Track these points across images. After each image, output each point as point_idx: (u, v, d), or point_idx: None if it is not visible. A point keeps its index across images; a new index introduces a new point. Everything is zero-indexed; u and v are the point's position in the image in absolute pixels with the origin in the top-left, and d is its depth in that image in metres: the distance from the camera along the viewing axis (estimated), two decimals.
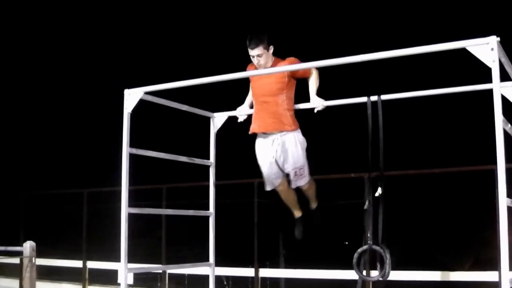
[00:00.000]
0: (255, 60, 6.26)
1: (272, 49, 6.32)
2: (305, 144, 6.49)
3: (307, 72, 6.48)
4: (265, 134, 6.48)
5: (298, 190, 6.84)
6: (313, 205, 7.05)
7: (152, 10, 29.06)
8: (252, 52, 6.21)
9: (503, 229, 4.17)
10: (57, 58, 28.68)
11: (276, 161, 6.44)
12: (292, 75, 6.40)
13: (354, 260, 5.70)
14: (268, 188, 6.71)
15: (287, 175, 6.57)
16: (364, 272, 5.93)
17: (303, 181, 6.54)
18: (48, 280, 13.21)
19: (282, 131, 6.39)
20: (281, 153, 6.39)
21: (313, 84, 6.48)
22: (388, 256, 5.54)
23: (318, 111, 6.38)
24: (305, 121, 6.64)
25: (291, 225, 7.04)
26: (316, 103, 6.37)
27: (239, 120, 6.88)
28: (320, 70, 6.59)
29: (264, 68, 6.32)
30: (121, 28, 28.54)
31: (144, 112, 6.38)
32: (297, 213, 6.99)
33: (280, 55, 6.49)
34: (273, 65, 6.37)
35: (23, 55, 27.72)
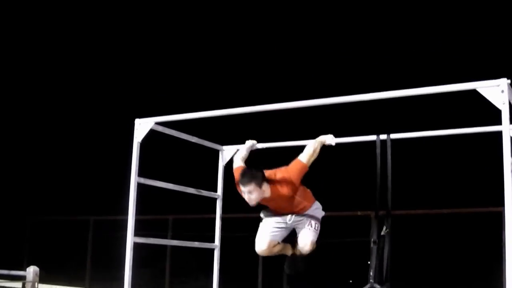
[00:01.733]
0: (245, 196, 5.75)
1: (266, 184, 5.76)
2: (321, 212, 6.22)
3: (306, 168, 5.97)
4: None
5: None
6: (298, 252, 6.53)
7: (165, 40, 29.26)
8: (244, 188, 5.71)
9: (510, 273, 4.15)
10: (68, 84, 28.86)
11: (287, 223, 6.13)
12: (299, 177, 5.91)
13: None
14: (263, 249, 6.27)
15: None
16: None
17: (314, 236, 6.12)
18: None
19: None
20: (294, 217, 6.11)
21: (316, 153, 6.16)
22: None
23: (330, 145, 6.21)
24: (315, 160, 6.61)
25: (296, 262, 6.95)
26: (328, 142, 6.15)
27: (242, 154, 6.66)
28: (333, 107, 6.58)
29: (256, 203, 5.84)
30: (134, 58, 28.71)
31: (153, 142, 6.40)
32: (289, 252, 6.48)
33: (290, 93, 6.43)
34: (273, 189, 5.84)
35: (31, 80, 27.91)
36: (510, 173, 4.26)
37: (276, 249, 6.31)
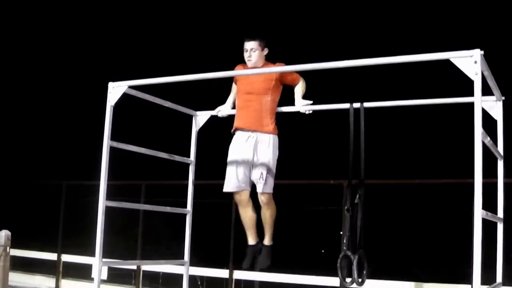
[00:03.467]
0: (246, 54, 6.36)
1: (267, 51, 6.43)
2: (277, 152, 6.47)
3: (295, 80, 6.54)
4: (243, 130, 6.48)
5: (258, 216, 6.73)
6: (267, 240, 6.76)
7: (140, 2, 28.99)
8: (247, 45, 6.32)
9: (477, 242, 4.19)
10: (40, 48, 28.51)
11: (247, 160, 6.43)
12: (281, 80, 6.42)
13: (338, 264, 5.66)
14: (229, 188, 6.60)
15: (251, 185, 6.51)
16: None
17: (267, 187, 6.41)
18: (22, 271, 13.12)
19: (259, 131, 6.38)
20: (252, 151, 6.39)
21: (299, 90, 6.54)
22: (355, 262, 5.53)
23: (304, 113, 6.37)
24: (287, 126, 6.65)
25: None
26: (302, 104, 6.38)
27: (219, 115, 6.86)
28: (305, 74, 6.62)
29: (253, 67, 6.39)
30: (107, 20, 28.41)
31: (127, 107, 6.37)
32: (251, 240, 6.76)
33: (269, 59, 6.55)
34: (264, 64, 6.46)
35: (1, 45, 27.55)
36: (481, 145, 4.29)
37: (246, 203, 6.57)
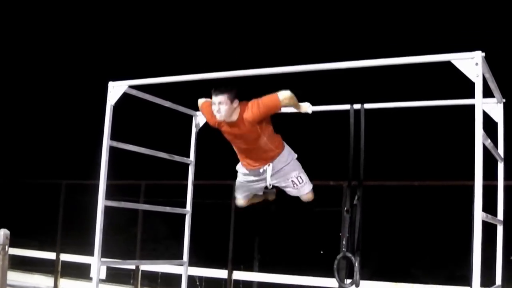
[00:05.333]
0: (215, 108, 5.59)
1: (236, 103, 5.62)
2: (294, 155, 6.22)
3: (277, 105, 5.72)
4: (253, 168, 6.11)
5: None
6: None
7: (140, 3, 29.00)
8: (214, 99, 5.57)
9: (477, 244, 4.19)
10: (39, 48, 28.51)
11: (264, 181, 6.07)
12: (263, 117, 5.74)
13: (335, 266, 5.65)
14: (243, 203, 6.43)
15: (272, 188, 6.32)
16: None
17: (307, 187, 6.15)
18: (20, 270, 13.12)
19: (270, 163, 6.11)
20: (271, 176, 6.00)
21: (293, 105, 6.09)
22: (357, 264, 5.53)
23: (305, 113, 6.16)
24: (287, 127, 6.62)
25: (267, 230, 7.00)
26: (303, 109, 6.12)
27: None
28: (306, 75, 6.54)
29: (224, 119, 5.70)
30: (107, 20, 28.42)
31: (127, 107, 6.36)
32: (272, 197, 6.65)
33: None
34: (241, 121, 5.71)
35: (1, 44, 27.53)
36: (481, 146, 4.29)
37: (256, 199, 6.41)
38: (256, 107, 5.59)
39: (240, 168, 6.19)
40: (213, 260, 12.44)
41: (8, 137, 26.44)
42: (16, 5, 27.45)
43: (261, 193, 6.40)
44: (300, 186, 6.08)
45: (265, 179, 6.03)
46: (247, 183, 6.21)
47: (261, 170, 6.00)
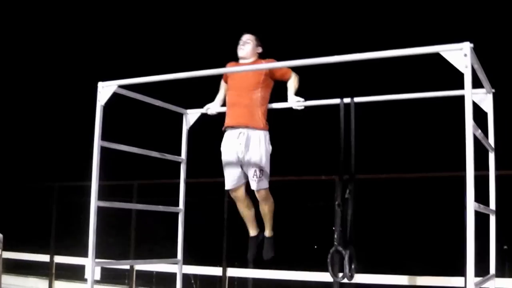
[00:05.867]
0: (241, 45, 6.56)
1: (260, 50, 6.62)
2: (269, 148, 6.47)
3: (286, 74, 6.56)
4: (233, 127, 6.48)
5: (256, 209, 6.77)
6: (268, 232, 6.86)
7: (130, 3, 28.91)
8: (244, 37, 6.56)
9: (470, 234, 4.20)
10: (27, 51, 28.39)
11: (239, 157, 6.44)
12: (271, 75, 6.45)
13: (328, 259, 5.67)
14: (228, 186, 6.67)
15: (246, 181, 6.55)
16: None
17: (262, 184, 6.45)
18: (15, 274, 13.08)
19: (250, 127, 6.39)
20: (244, 148, 6.37)
21: (291, 85, 6.54)
22: (346, 257, 5.54)
23: (296, 109, 6.38)
24: (277, 121, 6.65)
25: (260, 226, 6.99)
26: (295, 101, 6.38)
27: (208, 113, 6.86)
28: (295, 70, 6.62)
29: (243, 57, 6.57)
30: (96, 20, 28.33)
31: (117, 107, 6.35)
32: (252, 231, 6.89)
33: (261, 56, 6.62)
34: (254, 63, 6.52)
35: None
36: (472, 137, 4.30)
37: (242, 198, 6.65)
38: (268, 60, 6.47)
39: (223, 142, 6.61)
40: (208, 258, 12.42)
41: None
42: (3, 7, 27.31)
43: (241, 182, 6.58)
44: (258, 180, 6.37)
45: (240, 150, 6.41)
46: (226, 152, 6.56)
47: (239, 132, 6.41)
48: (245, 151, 6.38)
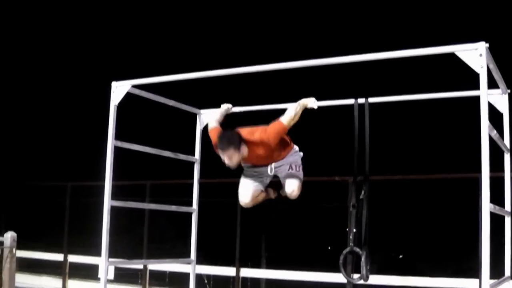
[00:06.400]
0: (225, 160, 5.67)
1: (244, 146, 5.69)
2: (299, 153, 6.21)
3: (285, 129, 5.85)
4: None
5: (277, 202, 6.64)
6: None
7: (144, 2, 28.98)
8: (222, 154, 5.64)
9: (485, 236, 4.17)
10: (41, 50, 28.50)
11: (262, 177, 6.10)
12: (279, 139, 5.82)
13: (341, 261, 5.65)
14: (248, 199, 6.20)
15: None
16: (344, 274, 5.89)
17: (299, 178, 6.03)
18: (28, 272, 13.13)
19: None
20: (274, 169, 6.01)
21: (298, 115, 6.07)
22: (363, 258, 5.51)
23: (310, 109, 6.13)
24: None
25: (274, 227, 6.99)
26: (310, 105, 6.09)
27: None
28: (309, 70, 6.55)
29: (236, 165, 5.80)
30: (109, 20, 28.40)
31: (131, 106, 6.35)
32: (273, 195, 6.44)
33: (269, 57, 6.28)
34: (249, 146, 5.75)
35: (5, 46, 27.52)
36: (487, 138, 4.27)
37: (260, 198, 6.29)
38: (267, 144, 5.71)
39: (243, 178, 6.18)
40: (221, 258, 12.43)
41: (12, 140, 26.47)
42: (17, 6, 27.44)
43: (262, 189, 6.31)
44: (296, 172, 6.00)
45: (268, 173, 6.02)
46: (252, 174, 6.15)
47: (268, 168, 6.00)
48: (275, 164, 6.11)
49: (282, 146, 5.92)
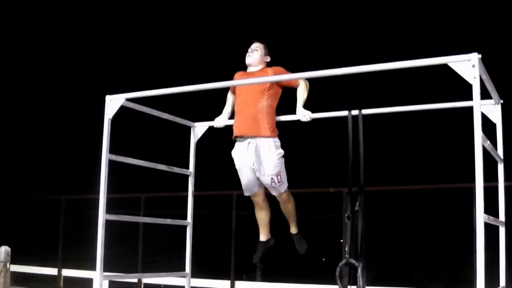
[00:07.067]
0: (249, 52, 6.57)
1: (268, 59, 6.64)
2: (281, 152, 6.47)
3: (293, 81, 6.50)
4: (242, 137, 6.50)
5: (274, 213, 6.81)
6: (294, 229, 6.96)
7: (137, 16, 28.99)
8: (252, 45, 6.57)
9: (480, 246, 4.17)
10: (34, 62, 28.45)
11: (251, 168, 6.45)
12: (277, 83, 6.45)
13: (337, 273, 5.65)
14: (247, 193, 6.75)
15: (264, 187, 6.59)
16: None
17: (282, 188, 6.51)
18: (23, 287, 13.09)
19: (257, 136, 6.39)
20: (255, 158, 6.38)
21: (300, 95, 6.49)
22: (359, 270, 5.51)
23: (304, 122, 6.36)
24: (285, 133, 6.64)
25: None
26: (302, 115, 6.35)
27: (215, 126, 6.86)
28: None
29: (251, 67, 6.60)
30: (102, 34, 28.40)
31: (125, 120, 6.35)
32: (263, 236, 6.94)
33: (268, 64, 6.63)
34: (261, 72, 6.54)
35: None
36: (481, 149, 4.28)
37: (261, 203, 6.73)
38: (276, 70, 6.44)
39: (234, 151, 6.62)
40: (216, 271, 12.41)
41: (5, 153, 26.38)
42: (5, 18, 27.41)
43: (257, 189, 6.61)
44: (278, 185, 6.36)
45: (251, 160, 6.42)
46: (239, 163, 6.56)
47: (247, 142, 6.42)
48: (257, 161, 6.40)
49: (271, 110, 6.45)
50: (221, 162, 6.72)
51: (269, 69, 6.52)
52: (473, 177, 4.26)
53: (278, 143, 6.50)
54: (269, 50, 6.68)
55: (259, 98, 6.39)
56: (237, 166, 6.64)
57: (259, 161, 6.39)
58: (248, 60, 6.59)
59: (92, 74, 27.47)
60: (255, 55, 6.57)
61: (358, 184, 5.79)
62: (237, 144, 6.64)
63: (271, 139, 6.44)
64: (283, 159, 6.49)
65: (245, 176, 6.55)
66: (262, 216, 6.81)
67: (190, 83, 5.55)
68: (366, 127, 5.87)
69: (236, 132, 6.59)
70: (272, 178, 6.35)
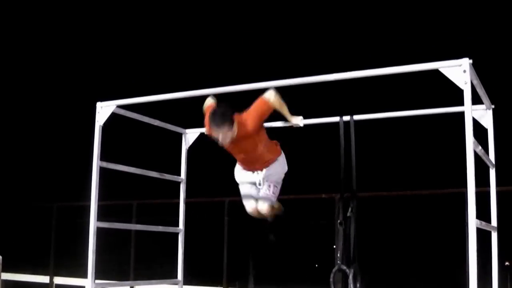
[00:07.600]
0: (218, 137, 5.58)
1: (235, 123, 5.59)
2: (285, 167, 6.27)
3: (269, 108, 5.84)
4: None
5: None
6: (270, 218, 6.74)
7: (128, 23, 28.98)
8: (216, 132, 5.54)
9: (472, 252, 4.17)
10: (25, 69, 28.41)
11: (257, 185, 6.13)
12: (258, 124, 5.83)
13: (331, 279, 5.62)
14: (249, 210, 6.29)
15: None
16: None
17: (269, 199, 6.10)
18: None
19: (268, 166, 6.14)
20: (262, 178, 6.12)
21: (281, 109, 6.08)
22: (350, 276, 5.49)
23: (295, 127, 6.20)
24: (277, 140, 6.61)
25: (261, 246, 6.98)
26: (296, 122, 6.16)
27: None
28: (294, 88, 6.53)
29: (228, 143, 5.74)
30: (94, 41, 28.39)
31: (116, 126, 6.33)
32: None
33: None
34: (239, 127, 5.67)
35: None
36: (473, 153, 4.28)
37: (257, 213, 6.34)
38: (250, 119, 5.67)
39: (237, 169, 6.28)
40: (208, 278, 12.38)
41: None
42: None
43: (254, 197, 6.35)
44: (271, 195, 6.08)
45: (258, 182, 6.10)
46: (242, 179, 6.24)
47: (254, 173, 6.08)
48: (264, 177, 6.16)
49: (268, 144, 5.97)
50: (213, 169, 6.68)
51: (242, 122, 5.69)
52: (465, 183, 4.26)
53: (284, 159, 6.23)
54: (231, 118, 5.56)
55: (254, 147, 6.01)
56: (238, 180, 6.32)
57: (268, 173, 6.14)
58: (224, 144, 5.75)
59: (83, 81, 27.45)
60: (227, 138, 5.60)
61: (351, 190, 5.79)
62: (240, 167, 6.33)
63: (280, 157, 6.19)
64: (282, 177, 6.28)
65: (246, 189, 6.34)
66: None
67: (181, 90, 5.53)
68: (358, 133, 5.87)
69: (244, 168, 6.23)
70: (268, 186, 6.13)
